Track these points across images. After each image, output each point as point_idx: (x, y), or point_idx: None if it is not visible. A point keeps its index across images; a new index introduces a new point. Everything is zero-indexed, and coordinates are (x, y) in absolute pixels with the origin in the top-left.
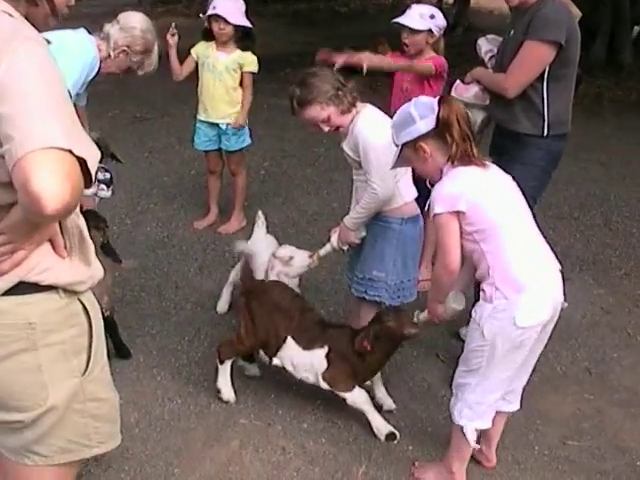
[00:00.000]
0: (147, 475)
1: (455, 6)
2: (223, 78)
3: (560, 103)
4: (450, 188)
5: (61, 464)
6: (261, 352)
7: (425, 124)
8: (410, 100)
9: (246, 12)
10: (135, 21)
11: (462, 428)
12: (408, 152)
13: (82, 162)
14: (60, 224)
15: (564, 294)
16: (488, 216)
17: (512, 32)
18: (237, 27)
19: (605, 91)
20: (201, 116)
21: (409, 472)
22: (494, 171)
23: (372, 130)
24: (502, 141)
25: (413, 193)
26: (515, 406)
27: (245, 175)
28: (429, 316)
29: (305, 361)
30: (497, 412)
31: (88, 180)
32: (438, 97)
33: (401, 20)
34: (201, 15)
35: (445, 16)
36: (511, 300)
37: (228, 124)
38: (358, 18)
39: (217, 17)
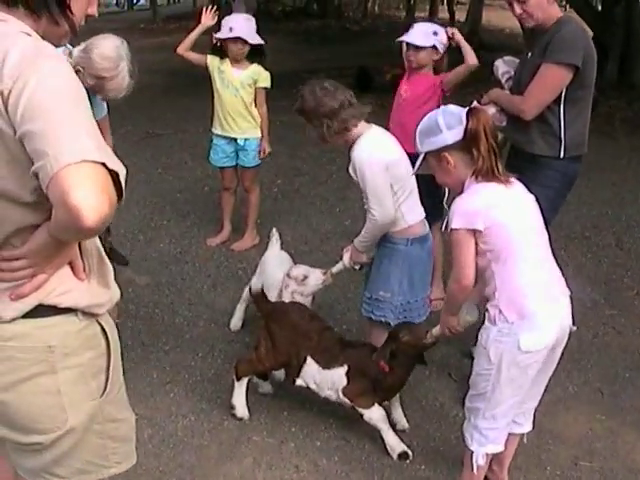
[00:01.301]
0: None
1: (467, 24)
2: (239, 94)
3: (577, 125)
4: (470, 204)
5: None
6: (275, 371)
7: (452, 135)
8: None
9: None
10: (98, 45)
11: (472, 453)
12: (432, 161)
13: (114, 176)
14: (80, 247)
15: (573, 316)
16: (504, 237)
17: (529, 54)
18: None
19: (617, 111)
20: (218, 131)
21: None
22: (517, 189)
23: (370, 153)
24: (517, 163)
25: (419, 214)
26: (527, 428)
27: (258, 192)
28: (442, 329)
29: (327, 379)
30: (509, 434)
31: (119, 194)
32: (468, 108)
33: (405, 38)
34: (215, 35)
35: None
36: (514, 324)
37: (246, 139)
38: (370, 36)
39: (237, 39)
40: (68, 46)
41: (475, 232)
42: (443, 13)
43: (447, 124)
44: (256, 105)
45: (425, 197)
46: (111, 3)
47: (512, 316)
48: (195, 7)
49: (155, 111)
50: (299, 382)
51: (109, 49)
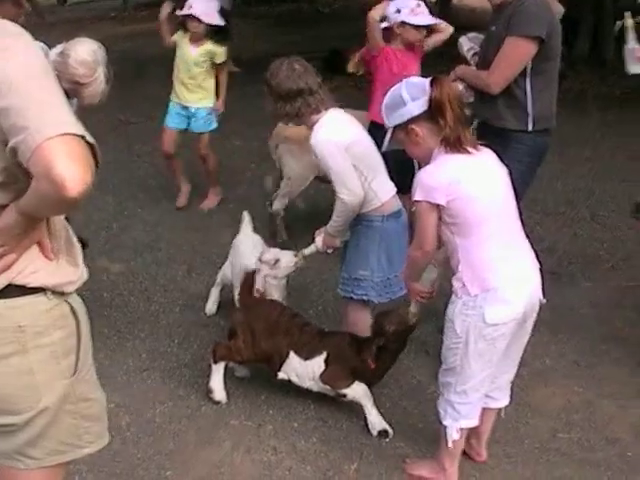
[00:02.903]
0: (139, 478)
1: (437, 5)
2: (192, 69)
3: (544, 98)
4: (433, 178)
5: (52, 466)
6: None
7: (417, 106)
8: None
9: (222, 10)
10: (75, 50)
11: (446, 428)
12: (400, 134)
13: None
14: (48, 227)
15: (543, 288)
16: (468, 211)
17: (493, 28)
18: (212, 26)
19: (589, 87)
20: (174, 99)
21: (401, 468)
22: (487, 159)
23: (327, 138)
24: (486, 138)
25: (391, 190)
26: (503, 402)
27: (214, 157)
28: (414, 299)
29: (307, 370)
30: (485, 409)
31: (95, 166)
32: (431, 78)
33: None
34: (177, 12)
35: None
36: (478, 297)
37: (197, 108)
38: (341, 18)
39: (192, 16)
40: (43, 46)
41: (437, 205)
42: None
43: (411, 96)
44: (218, 76)
45: (396, 172)
46: None
47: (475, 289)
48: None
49: (127, 99)
50: (281, 375)
51: (86, 54)
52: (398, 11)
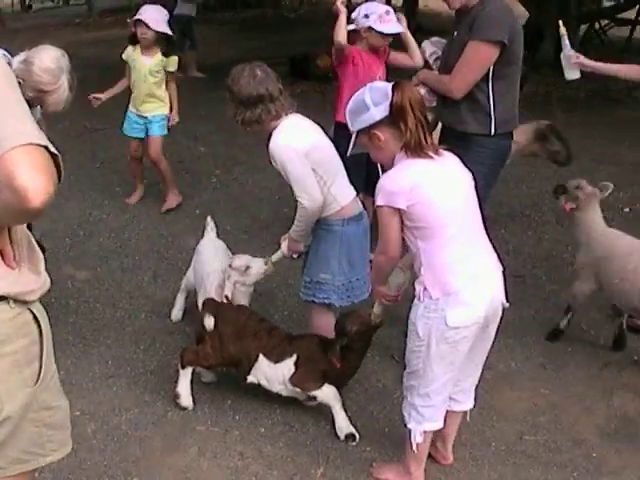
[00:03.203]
0: None
1: (403, 9)
2: (148, 79)
3: (506, 102)
4: (393, 183)
5: (15, 475)
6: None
7: (379, 111)
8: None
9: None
10: (38, 58)
11: (411, 431)
12: (363, 139)
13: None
14: (9, 235)
15: (506, 292)
16: (429, 215)
17: (456, 33)
18: (160, 33)
19: (554, 90)
20: (132, 109)
21: (367, 472)
22: (448, 163)
23: (286, 143)
24: (449, 142)
25: (350, 194)
26: (467, 405)
27: (165, 161)
28: (379, 302)
29: (277, 373)
30: (450, 411)
31: (58, 176)
32: (393, 83)
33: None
34: (128, 20)
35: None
36: (440, 300)
37: (154, 115)
38: (307, 24)
39: (140, 22)
40: (6, 54)
41: (399, 210)
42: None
43: (373, 101)
44: (167, 85)
45: (355, 175)
46: None
47: (436, 293)
48: (131, 0)
49: (91, 106)
50: (250, 379)
51: (50, 62)
52: (366, 16)
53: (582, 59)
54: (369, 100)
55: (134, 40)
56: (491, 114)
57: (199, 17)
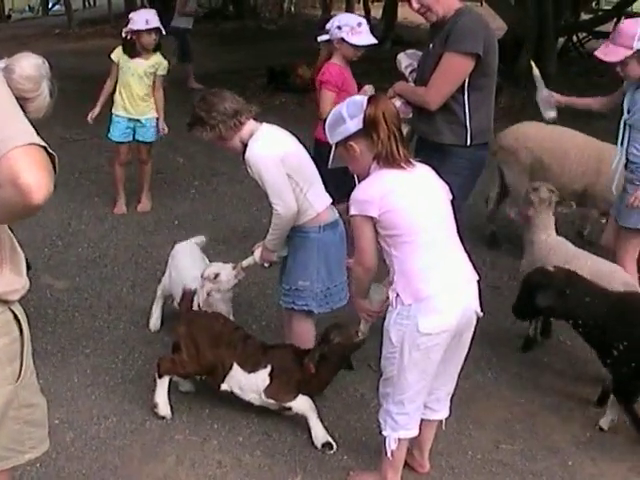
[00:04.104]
0: None
1: (383, 21)
2: (143, 81)
3: (481, 113)
4: (365, 192)
5: None
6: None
7: (354, 124)
8: None
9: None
10: (20, 66)
11: (385, 438)
12: (341, 151)
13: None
14: None
15: (481, 302)
16: (400, 223)
17: (431, 46)
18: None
19: (530, 102)
20: (121, 113)
21: None
22: (421, 173)
23: (261, 151)
24: (425, 153)
25: (326, 201)
26: (442, 414)
27: (151, 162)
28: (363, 319)
29: (251, 383)
30: (425, 420)
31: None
32: (369, 96)
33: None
34: (130, 30)
35: (372, 31)
36: (412, 307)
37: (146, 118)
38: (286, 35)
39: (151, 31)
40: None
41: (372, 218)
42: (359, 10)
43: (349, 114)
44: (154, 89)
45: (333, 186)
46: (25, 9)
47: (408, 299)
48: (111, 11)
49: (70, 117)
50: (224, 387)
51: (31, 69)
52: (339, 27)
53: (557, 97)
54: (345, 113)
55: (133, 49)
56: (467, 125)
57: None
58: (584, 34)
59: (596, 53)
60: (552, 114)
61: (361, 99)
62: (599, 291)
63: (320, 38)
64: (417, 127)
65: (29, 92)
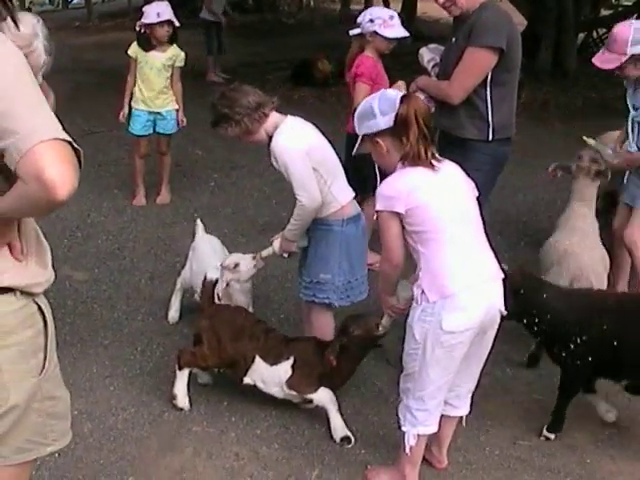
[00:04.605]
0: None
1: (402, 15)
2: (162, 74)
3: (504, 108)
4: (392, 188)
5: (18, 464)
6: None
7: (384, 121)
8: None
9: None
10: (12, 25)
11: (404, 433)
12: (368, 143)
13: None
14: (18, 228)
15: (505, 299)
16: (427, 219)
17: (454, 40)
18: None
19: (551, 98)
20: (141, 107)
21: (362, 475)
22: (448, 171)
23: (287, 143)
24: (447, 148)
25: (349, 194)
26: (463, 411)
27: (170, 154)
28: (387, 314)
29: (273, 375)
30: (445, 416)
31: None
32: (402, 94)
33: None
34: (143, 23)
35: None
36: (436, 304)
37: (167, 111)
38: (305, 29)
39: (163, 23)
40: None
41: (398, 214)
42: (378, 5)
43: (381, 110)
44: (172, 81)
45: (358, 181)
46: (45, 2)
47: (433, 296)
48: (130, 4)
49: (91, 109)
50: (247, 380)
51: (24, 27)
52: (371, 21)
53: (627, 157)
54: (377, 108)
55: (148, 43)
56: (489, 120)
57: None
58: (604, 30)
59: (594, 60)
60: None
61: (394, 96)
62: (556, 287)
63: (352, 32)
64: (439, 121)
65: (22, 49)
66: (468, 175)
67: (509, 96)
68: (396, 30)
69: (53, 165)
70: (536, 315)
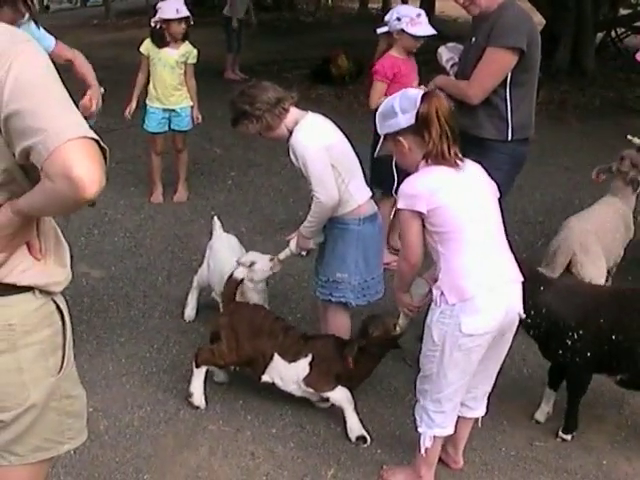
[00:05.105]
0: None
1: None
2: (175, 71)
3: (523, 108)
4: (414, 187)
5: (35, 462)
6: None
7: (406, 119)
8: None
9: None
10: None
11: (420, 435)
12: (389, 143)
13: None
14: (37, 227)
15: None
16: (448, 219)
17: (473, 39)
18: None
19: (569, 97)
20: (156, 104)
21: (377, 475)
22: (470, 172)
23: (306, 139)
24: (465, 148)
25: (367, 193)
26: (479, 412)
27: (186, 151)
28: (403, 313)
29: (291, 373)
30: (461, 417)
31: None
32: (423, 92)
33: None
34: (159, 19)
35: None
36: (456, 306)
37: (181, 108)
38: (323, 28)
39: (181, 20)
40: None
41: (420, 214)
42: (396, 4)
43: (402, 108)
44: (186, 78)
45: (378, 180)
46: (63, 0)
47: (453, 298)
48: (148, 2)
49: (108, 106)
50: (265, 378)
51: None
52: (399, 19)
53: None
54: (398, 107)
55: (162, 39)
56: (508, 120)
57: (215, 21)
58: (622, 29)
59: (637, 56)
60: None
61: (415, 94)
62: (552, 281)
63: (379, 30)
64: (458, 121)
65: None
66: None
67: (528, 96)
68: (423, 28)
69: (81, 163)
70: (532, 308)
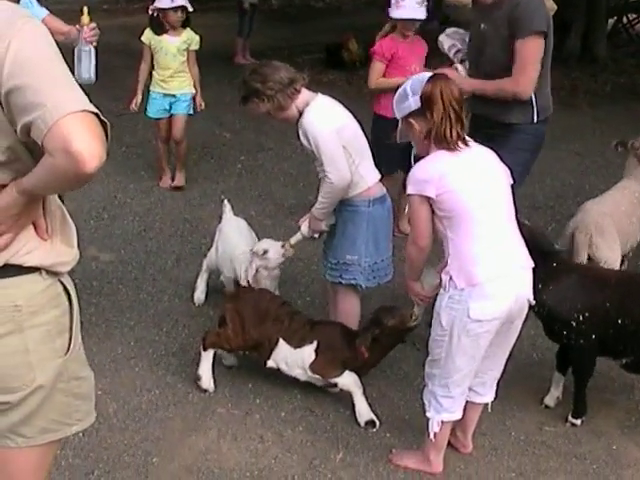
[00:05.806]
0: (126, 464)
1: (429, 1)
2: (176, 58)
3: (544, 89)
4: (424, 171)
5: (43, 444)
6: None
7: (415, 101)
8: None
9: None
10: None
11: (429, 419)
12: (403, 127)
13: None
14: (43, 207)
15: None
16: (457, 204)
17: (483, 26)
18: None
19: (580, 83)
20: (157, 90)
21: (386, 459)
22: (481, 157)
23: (318, 120)
24: (486, 132)
25: (376, 175)
26: (488, 398)
27: (185, 142)
28: (416, 302)
29: (297, 358)
30: (470, 403)
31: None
32: (431, 74)
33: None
34: (155, 8)
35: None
36: (464, 291)
37: (182, 93)
38: (333, 13)
39: (177, 8)
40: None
41: (428, 198)
42: None
43: (413, 91)
44: (189, 65)
45: (385, 161)
46: None
47: (462, 283)
48: None
49: (118, 91)
50: (270, 363)
51: None
52: (389, 4)
53: None
54: (409, 89)
55: (160, 27)
56: (533, 103)
57: (225, 5)
58: (634, 15)
59: None
60: None
61: (424, 76)
62: (565, 259)
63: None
64: (476, 107)
65: None
66: (511, 156)
67: (547, 78)
68: (404, 11)
69: (81, 137)
70: (540, 281)
